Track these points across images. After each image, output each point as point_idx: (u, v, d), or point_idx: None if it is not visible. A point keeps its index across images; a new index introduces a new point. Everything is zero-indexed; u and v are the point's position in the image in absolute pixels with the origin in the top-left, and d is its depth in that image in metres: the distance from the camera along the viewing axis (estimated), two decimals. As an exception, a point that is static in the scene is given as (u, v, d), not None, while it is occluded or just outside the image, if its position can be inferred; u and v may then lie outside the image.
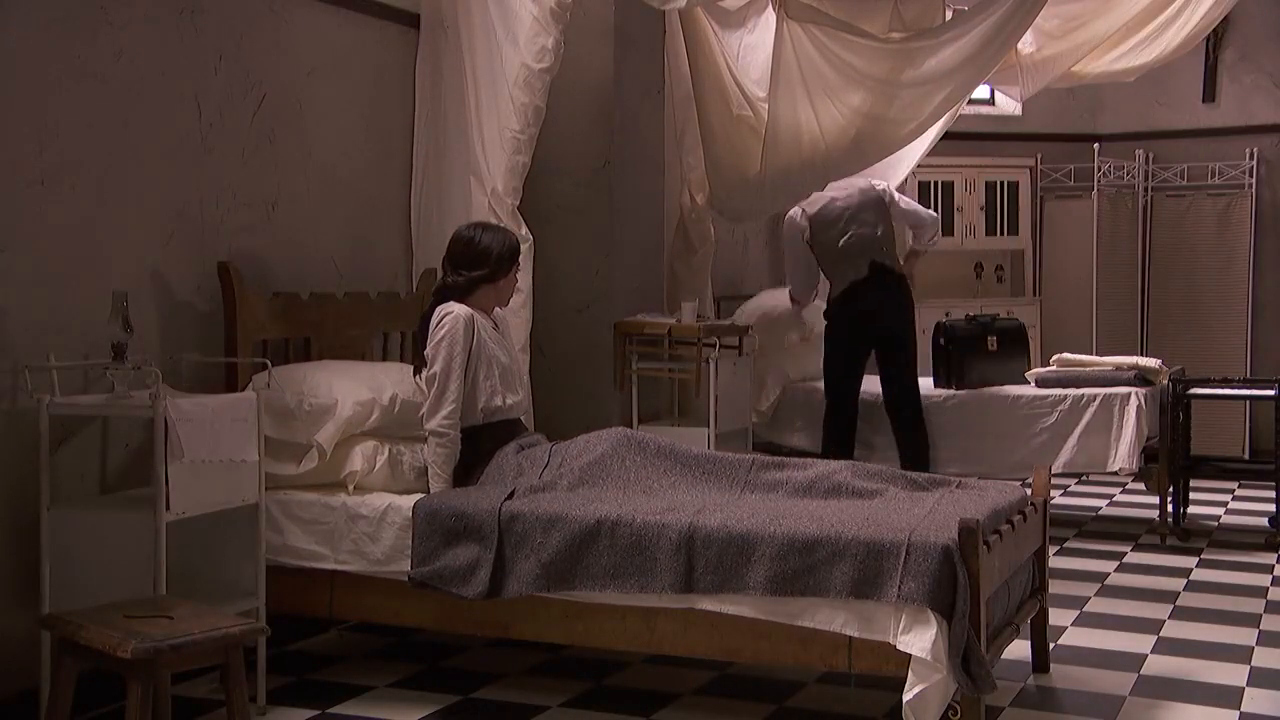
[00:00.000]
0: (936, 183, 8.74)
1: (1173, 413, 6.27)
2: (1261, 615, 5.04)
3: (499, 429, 4.29)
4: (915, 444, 6.39)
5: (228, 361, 4.27)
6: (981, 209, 8.84)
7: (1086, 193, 8.84)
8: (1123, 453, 6.26)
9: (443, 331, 4.20)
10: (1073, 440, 6.33)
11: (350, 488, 4.16)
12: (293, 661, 4.40)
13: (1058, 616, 4.79)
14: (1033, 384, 6.57)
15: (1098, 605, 5.19)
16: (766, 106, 6.14)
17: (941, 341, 6.78)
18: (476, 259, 4.31)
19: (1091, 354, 7.13)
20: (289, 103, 4.69)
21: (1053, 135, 9.13)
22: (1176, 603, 5.23)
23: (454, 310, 4.22)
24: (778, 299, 6.99)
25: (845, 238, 6.36)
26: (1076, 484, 8.02)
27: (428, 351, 4.23)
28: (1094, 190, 8.73)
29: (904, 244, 6.80)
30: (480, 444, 4.23)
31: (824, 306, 6.52)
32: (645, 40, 5.90)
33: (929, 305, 8.55)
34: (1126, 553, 6.16)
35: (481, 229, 4.41)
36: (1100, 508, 7.35)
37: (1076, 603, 5.19)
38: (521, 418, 4.49)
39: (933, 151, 7.48)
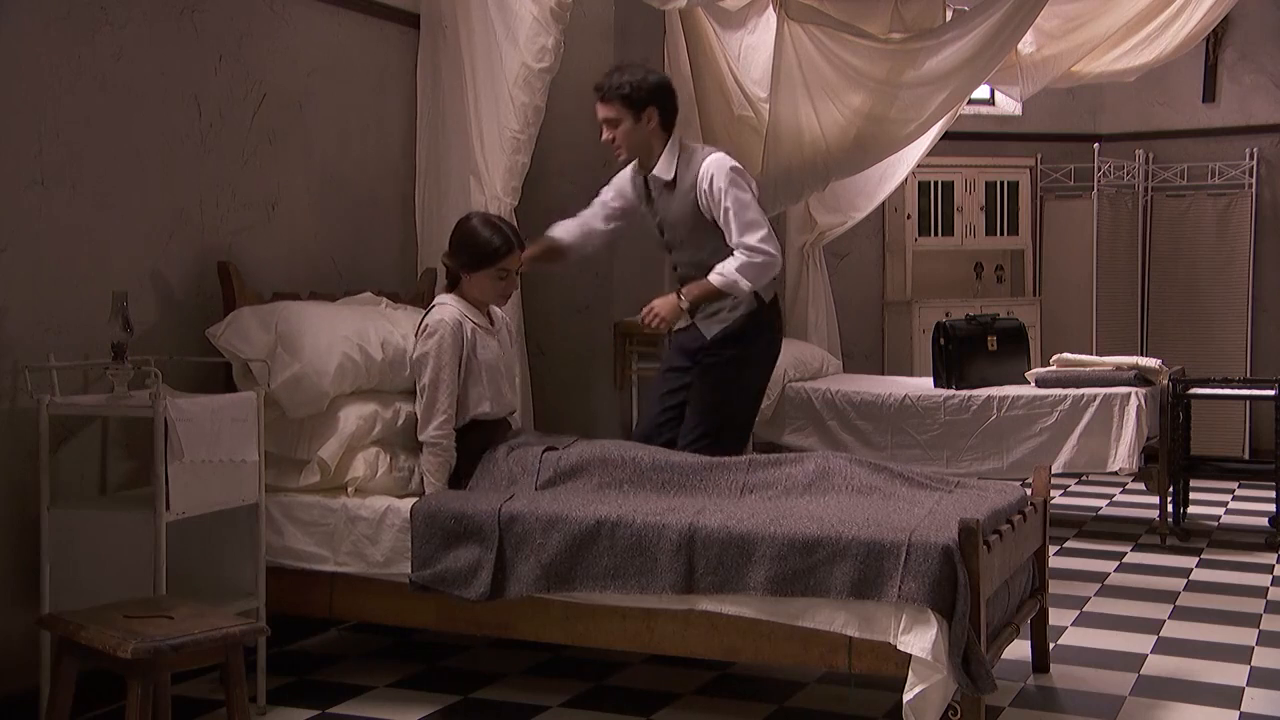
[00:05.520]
0: (936, 183, 8.73)
1: (1173, 413, 6.27)
2: (1261, 615, 5.03)
3: (487, 429, 4.26)
4: None
5: (228, 362, 4.27)
6: (981, 209, 8.84)
7: (1086, 193, 8.84)
8: (1123, 453, 6.24)
9: (430, 342, 4.16)
10: (1073, 440, 6.32)
11: (350, 490, 4.15)
12: (293, 661, 4.39)
13: (1058, 616, 4.79)
14: (1033, 384, 6.56)
15: (1098, 605, 5.19)
16: (767, 107, 6.14)
17: (941, 341, 6.77)
18: (460, 245, 4.29)
19: (1091, 354, 7.12)
20: (289, 103, 4.68)
21: (1053, 135, 9.13)
22: (1176, 603, 5.23)
23: (443, 315, 4.19)
24: None
25: None
26: (1076, 484, 8.01)
27: (415, 356, 4.21)
28: (1094, 190, 8.73)
29: None
30: (469, 444, 4.21)
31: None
32: (645, 40, 5.90)
33: (929, 305, 8.57)
34: (1126, 553, 6.16)
35: (480, 218, 4.36)
36: (1100, 508, 7.35)
37: (1076, 603, 5.19)
38: (508, 417, 4.46)
39: (933, 151, 7.48)
